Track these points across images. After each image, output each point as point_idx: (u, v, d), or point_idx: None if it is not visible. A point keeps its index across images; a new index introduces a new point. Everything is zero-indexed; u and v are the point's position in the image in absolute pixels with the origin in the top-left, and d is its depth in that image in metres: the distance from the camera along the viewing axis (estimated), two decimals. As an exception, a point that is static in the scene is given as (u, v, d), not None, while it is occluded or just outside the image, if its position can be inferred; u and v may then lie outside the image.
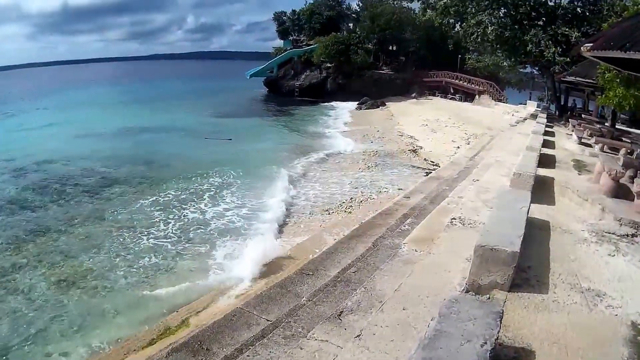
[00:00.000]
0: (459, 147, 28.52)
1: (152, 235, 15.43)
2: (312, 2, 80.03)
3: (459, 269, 5.89)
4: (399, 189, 19.26)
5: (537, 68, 34.70)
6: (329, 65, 66.62)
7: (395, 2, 68.30)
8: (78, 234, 15.78)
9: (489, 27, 28.09)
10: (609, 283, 5.72)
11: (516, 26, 28.24)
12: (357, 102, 58.47)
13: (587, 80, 21.39)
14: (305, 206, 18.42)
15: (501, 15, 28.46)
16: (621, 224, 7.43)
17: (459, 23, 31.44)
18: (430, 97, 59.17)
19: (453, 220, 7.57)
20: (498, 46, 30.93)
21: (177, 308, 10.46)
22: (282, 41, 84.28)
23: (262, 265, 11.91)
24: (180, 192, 20.32)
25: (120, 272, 12.74)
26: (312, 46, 70.08)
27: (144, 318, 10.32)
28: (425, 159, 26.69)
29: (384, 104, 56.66)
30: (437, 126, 37.81)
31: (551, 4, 28.78)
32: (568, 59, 26.70)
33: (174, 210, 17.99)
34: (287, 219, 16.79)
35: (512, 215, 5.88)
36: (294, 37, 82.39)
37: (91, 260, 13.56)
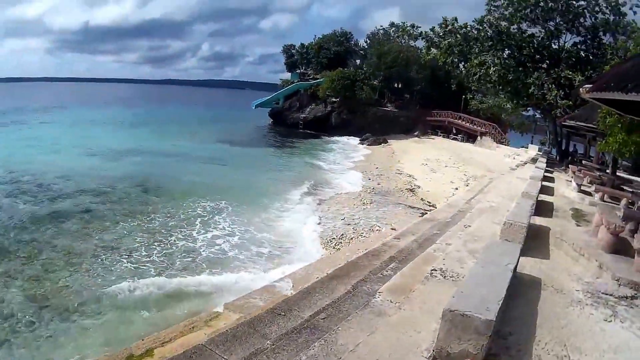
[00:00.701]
0: (457, 189, 27.78)
1: (133, 258, 14.97)
2: (321, 37, 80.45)
3: (430, 329, 5.06)
4: (392, 229, 18.41)
5: (539, 111, 34.16)
6: (334, 99, 66.42)
7: (402, 41, 68.36)
8: (61, 248, 15.66)
9: (492, 68, 27.67)
10: (604, 355, 4.88)
11: (520, 68, 27.82)
12: (359, 138, 58.17)
13: (588, 124, 20.74)
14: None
15: (505, 56, 28.03)
16: (620, 284, 6.62)
17: (463, 63, 30.98)
18: (433, 136, 59.02)
19: (434, 271, 6.75)
20: (501, 87, 30.53)
21: (145, 335, 9.79)
22: (289, 74, 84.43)
23: (240, 299, 11.15)
24: (169, 218, 19.78)
25: (95, 293, 12.31)
26: (318, 80, 70.08)
27: (109, 341, 9.96)
28: (422, 199, 25.89)
29: (386, 141, 56.34)
30: (437, 166, 37.18)
31: (555, 47, 28.38)
32: (570, 102, 26.22)
33: (162, 232, 17.67)
34: (274, 251, 16.14)
35: (496, 274, 5.06)
36: (302, 70, 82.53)
37: (69, 277, 13.32)
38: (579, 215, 12.24)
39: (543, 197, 14.51)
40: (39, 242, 16.05)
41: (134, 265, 14.36)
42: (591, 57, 27.78)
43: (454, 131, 57.54)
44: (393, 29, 74.28)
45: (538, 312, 5.59)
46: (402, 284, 7.39)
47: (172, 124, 68.16)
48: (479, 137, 50.64)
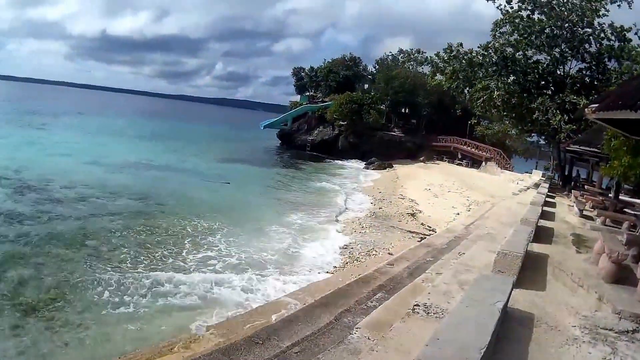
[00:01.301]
0: (458, 214, 27.02)
1: (121, 269, 14.46)
2: (330, 60, 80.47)
3: (403, 377, 4.40)
4: (389, 254, 17.68)
5: (543, 137, 33.44)
6: (341, 123, 66.11)
7: (409, 67, 68.18)
8: (54, 255, 15.11)
9: (495, 92, 27.07)
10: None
11: (524, 94, 27.21)
12: (365, 162, 57.89)
13: (591, 149, 20.07)
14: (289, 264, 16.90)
15: (510, 82, 27.43)
16: (620, 318, 5.88)
17: (467, 88, 30.38)
18: (438, 161, 58.38)
19: (416, 306, 6.01)
20: (505, 113, 29.92)
21: (124, 353, 9.43)
22: (299, 96, 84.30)
23: (223, 322, 10.80)
24: (167, 234, 19.04)
25: (81, 305, 11.73)
26: (327, 103, 69.98)
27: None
28: (422, 224, 25.11)
29: (391, 166, 55.93)
30: (440, 191, 36.48)
31: (560, 73, 27.77)
32: (574, 127, 25.59)
33: (151, 248, 16.97)
34: (268, 273, 15.35)
35: (481, 314, 4.32)
36: (311, 92, 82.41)
37: (57, 288, 12.68)
38: (579, 241, 11.48)
39: (543, 222, 13.77)
40: (32, 246, 15.77)
41: (121, 278, 13.67)
42: (596, 83, 27.16)
43: (459, 156, 57.03)
44: (401, 55, 74.13)
45: (529, 354, 4.87)
46: (383, 318, 6.81)
47: (183, 140, 68.04)
48: (483, 163, 49.99)
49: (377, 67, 78.92)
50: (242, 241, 18.80)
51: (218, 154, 53.59)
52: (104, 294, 12.44)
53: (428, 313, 5.87)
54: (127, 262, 15.30)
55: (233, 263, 16.16)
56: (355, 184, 42.25)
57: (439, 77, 34.11)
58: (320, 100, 75.41)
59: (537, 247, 9.97)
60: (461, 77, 29.50)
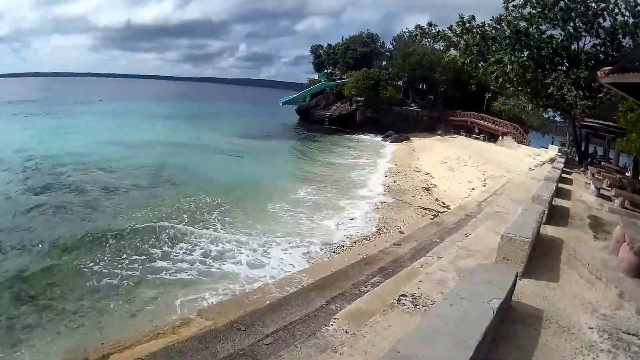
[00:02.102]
0: (473, 189, 25.89)
1: (130, 250, 13.77)
2: (348, 37, 79.00)
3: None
4: (400, 232, 16.78)
5: (558, 112, 32.04)
6: (359, 98, 64.83)
7: (427, 43, 66.55)
8: (55, 237, 14.49)
9: (508, 66, 25.75)
10: None
11: (539, 70, 25.84)
12: (382, 135, 56.64)
13: (607, 123, 18.81)
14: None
15: (524, 57, 26.06)
16: (646, 319, 4.95)
17: (482, 63, 28.96)
18: (455, 135, 56.85)
19: (403, 297, 5.09)
20: (520, 88, 28.53)
21: (105, 340, 8.79)
22: (317, 73, 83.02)
23: (217, 304, 10.24)
24: (173, 210, 18.32)
25: (77, 292, 10.97)
26: (344, 80, 68.58)
27: (70, 345, 8.78)
28: (436, 199, 24.03)
29: (408, 139, 54.75)
30: (457, 165, 35.25)
31: (574, 48, 26.29)
32: (590, 103, 24.25)
33: (155, 223, 16.27)
34: (269, 255, 14.36)
35: (469, 317, 3.32)
36: (329, 70, 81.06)
37: (57, 270, 12.15)
38: (597, 225, 10.46)
39: (558, 201, 12.73)
40: (33, 226, 15.47)
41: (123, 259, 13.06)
42: (610, 59, 25.66)
43: (476, 130, 55.31)
44: (419, 31, 72.24)
45: (533, 366, 3.95)
46: (365, 308, 6.03)
47: (202, 119, 67.97)
48: (500, 137, 48.49)
49: (394, 43, 77.34)
50: (245, 218, 18.00)
51: (236, 130, 53.00)
52: (94, 279, 11.71)
53: (416, 305, 4.94)
54: (131, 237, 14.81)
55: (237, 240, 15.34)
56: (370, 157, 41.11)
57: (453, 51, 32.83)
58: (339, 77, 73.96)
59: (550, 230, 8.99)
60: (475, 52, 28.14)
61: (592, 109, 24.09)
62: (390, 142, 53.55)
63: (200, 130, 50.11)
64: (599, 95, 24.03)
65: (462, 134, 56.53)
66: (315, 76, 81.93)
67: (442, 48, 46.12)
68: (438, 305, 3.67)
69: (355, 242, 15.91)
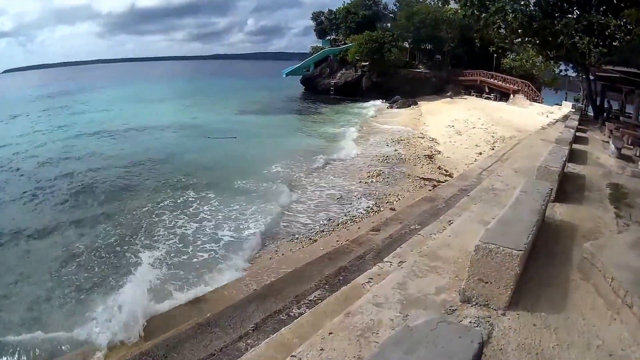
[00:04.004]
0: (480, 153, 23.76)
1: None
2: (350, 2, 75.89)
3: None
4: (391, 209, 14.71)
5: (571, 65, 29.25)
6: (364, 63, 61.87)
7: (431, 2, 63.51)
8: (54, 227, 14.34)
9: (510, 15, 23.00)
10: None
11: (546, 19, 23.13)
12: (388, 102, 53.90)
13: (628, 70, 16.35)
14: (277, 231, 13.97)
15: (531, 5, 23.36)
16: None
17: (483, 14, 26.21)
18: (466, 96, 54.21)
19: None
20: (527, 40, 25.80)
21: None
22: (320, 41, 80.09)
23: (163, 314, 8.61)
24: (152, 202, 16.83)
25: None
26: (347, 45, 65.52)
27: None
28: (439, 167, 21.92)
29: (415, 103, 51.96)
30: (464, 127, 32.95)
31: None
32: (605, 50, 21.51)
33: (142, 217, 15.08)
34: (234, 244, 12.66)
35: None
36: (332, 36, 78.07)
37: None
38: (619, 197, 8.26)
39: (572, 167, 10.53)
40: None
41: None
42: (622, 5, 22.81)
43: (487, 90, 52.41)
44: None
45: None
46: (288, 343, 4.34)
47: (208, 96, 65.91)
48: (511, 96, 45.95)
49: (397, 4, 73.99)
50: (219, 205, 16.16)
51: (234, 108, 50.48)
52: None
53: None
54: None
55: (202, 231, 13.64)
56: (373, 125, 38.39)
57: (453, 5, 30.21)
58: (342, 42, 70.86)
59: (561, 211, 6.92)
60: (476, 2, 25.42)
61: (607, 57, 21.49)
62: (397, 107, 50.69)
63: (198, 110, 47.73)
64: (613, 43, 21.39)
65: (473, 95, 53.86)
66: (319, 44, 79.09)
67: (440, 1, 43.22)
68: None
69: (339, 224, 13.92)
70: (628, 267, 4.16)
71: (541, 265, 4.70)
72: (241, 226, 13.96)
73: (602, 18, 21.28)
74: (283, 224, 14.35)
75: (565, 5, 23.34)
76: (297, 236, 13.16)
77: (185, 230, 13.71)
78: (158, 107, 51.82)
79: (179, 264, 11.21)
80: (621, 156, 12.84)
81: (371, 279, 5.48)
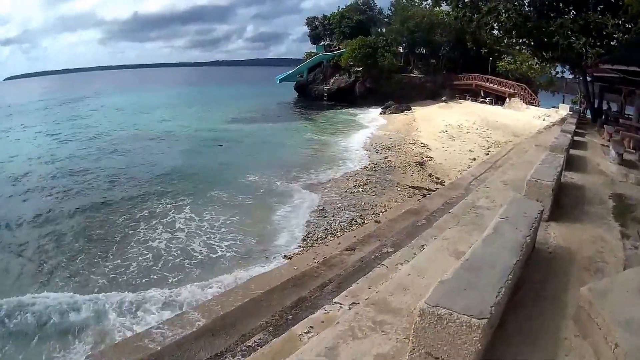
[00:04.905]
0: (474, 159, 22.84)
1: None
2: (344, 7, 75.19)
3: None
4: (376, 221, 13.58)
5: (567, 66, 28.23)
6: (357, 69, 60.87)
7: (426, 5, 62.67)
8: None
9: (503, 15, 21.99)
10: None
11: (541, 18, 22.17)
12: (381, 107, 52.62)
13: (628, 69, 15.30)
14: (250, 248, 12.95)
15: (525, 5, 22.38)
16: None
17: (475, 15, 25.22)
18: (461, 100, 53.19)
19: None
20: (522, 41, 24.79)
21: None
22: (314, 46, 79.20)
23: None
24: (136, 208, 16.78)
25: None
26: (341, 50, 64.81)
27: None
28: (430, 174, 20.90)
29: (409, 108, 50.74)
30: (458, 132, 32.03)
31: None
32: (602, 51, 20.48)
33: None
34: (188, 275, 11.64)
35: None
36: (326, 42, 77.14)
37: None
38: (624, 211, 7.10)
39: (569, 176, 9.40)
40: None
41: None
42: (621, 3, 21.86)
43: (482, 94, 51.38)
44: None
45: None
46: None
47: (197, 105, 64.64)
48: (507, 99, 44.99)
49: (392, 9, 73.16)
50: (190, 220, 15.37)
51: (225, 115, 49.48)
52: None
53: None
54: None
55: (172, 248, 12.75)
56: (363, 132, 36.94)
57: (444, 6, 29.25)
58: (336, 48, 70.00)
59: (555, 232, 5.78)
60: (467, 3, 24.40)
61: (604, 56, 20.52)
62: (390, 113, 49.35)
63: (187, 118, 46.98)
64: (611, 43, 20.43)
65: (468, 99, 52.85)
66: (314, 49, 78.26)
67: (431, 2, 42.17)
68: None
69: (317, 239, 12.77)
70: (638, 328, 2.97)
71: (525, 317, 3.54)
72: (213, 244, 12.91)
73: (600, 17, 20.32)
74: (254, 240, 13.26)
75: (560, 5, 22.41)
76: (273, 255, 12.07)
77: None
78: (153, 116, 51.10)
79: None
80: (623, 162, 11.69)
81: (312, 327, 4.28)
